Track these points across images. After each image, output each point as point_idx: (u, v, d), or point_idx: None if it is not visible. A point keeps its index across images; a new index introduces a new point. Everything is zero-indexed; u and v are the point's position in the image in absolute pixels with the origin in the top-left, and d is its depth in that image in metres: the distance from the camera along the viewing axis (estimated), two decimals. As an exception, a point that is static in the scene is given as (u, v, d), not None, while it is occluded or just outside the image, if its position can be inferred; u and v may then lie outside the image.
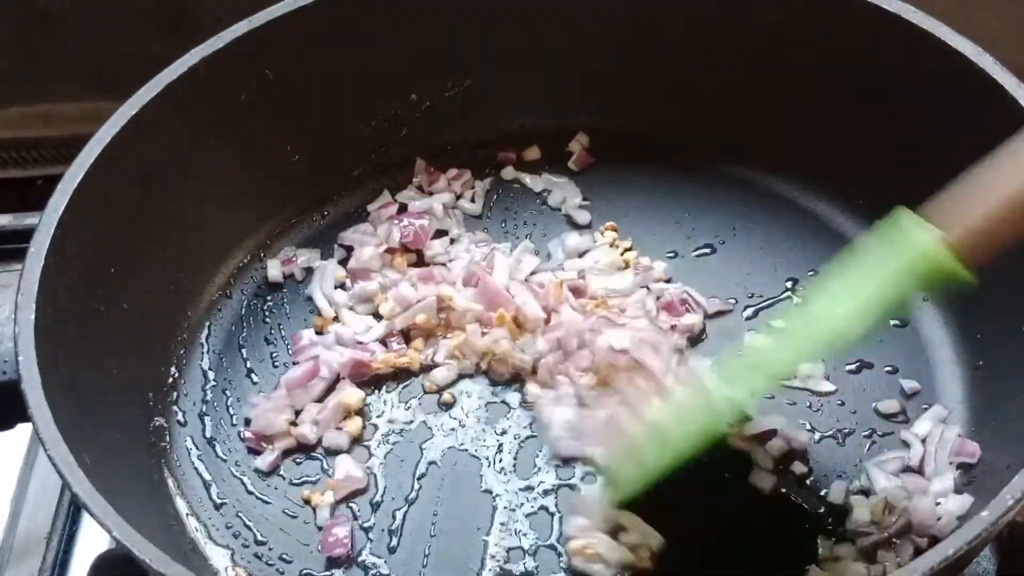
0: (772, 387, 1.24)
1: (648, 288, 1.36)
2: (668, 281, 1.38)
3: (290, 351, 1.35)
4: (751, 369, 1.18)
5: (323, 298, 1.39)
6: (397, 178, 1.49)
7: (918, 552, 1.14)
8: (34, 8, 1.63)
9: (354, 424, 1.28)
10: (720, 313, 1.36)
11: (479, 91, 1.48)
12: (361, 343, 1.34)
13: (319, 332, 1.36)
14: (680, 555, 1.16)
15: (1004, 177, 1.00)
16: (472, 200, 1.48)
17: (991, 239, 1.01)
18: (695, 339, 1.33)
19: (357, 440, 1.28)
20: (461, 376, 1.32)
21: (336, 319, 1.37)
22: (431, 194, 1.48)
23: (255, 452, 1.28)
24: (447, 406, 1.30)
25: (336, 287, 1.40)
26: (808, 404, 1.27)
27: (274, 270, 1.42)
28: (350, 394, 1.29)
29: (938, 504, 1.16)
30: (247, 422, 1.29)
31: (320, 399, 1.30)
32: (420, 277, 1.36)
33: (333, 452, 1.27)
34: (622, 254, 1.40)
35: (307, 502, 1.23)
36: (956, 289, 1.30)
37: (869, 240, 1.10)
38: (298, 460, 1.27)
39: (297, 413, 1.29)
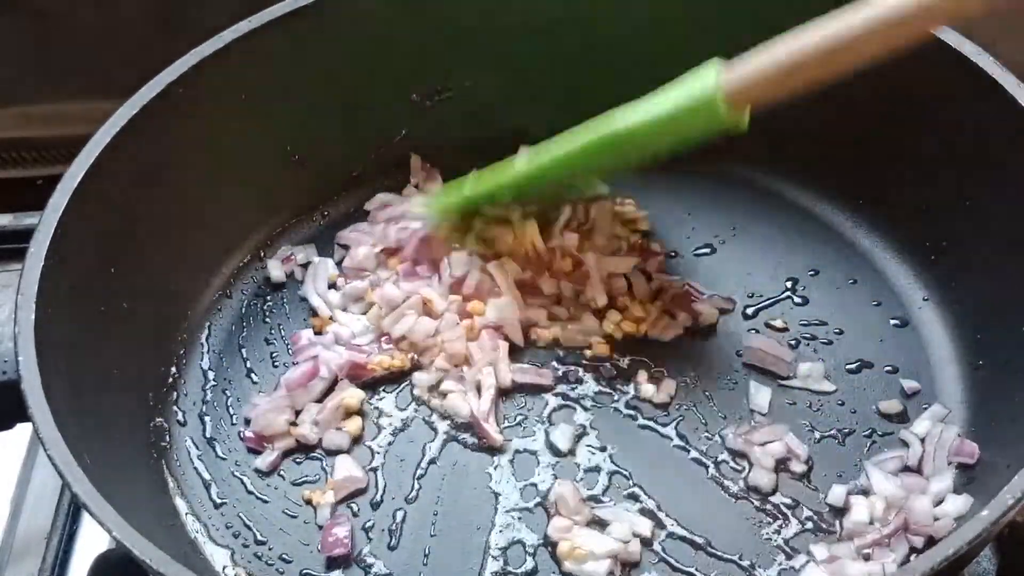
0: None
1: (647, 275, 1.37)
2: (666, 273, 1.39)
3: (290, 351, 1.35)
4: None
5: (317, 297, 1.39)
6: (397, 178, 1.50)
7: (914, 551, 1.14)
8: (34, 8, 1.63)
9: (354, 424, 1.28)
10: (720, 312, 1.36)
11: (479, 91, 1.48)
12: (357, 344, 1.34)
13: (318, 332, 1.36)
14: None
15: (785, 42, 1.13)
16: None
17: (760, 88, 1.14)
18: (707, 331, 1.34)
19: (357, 440, 1.28)
20: (442, 381, 1.31)
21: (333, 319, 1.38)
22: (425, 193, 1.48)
23: (255, 452, 1.28)
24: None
25: (329, 286, 1.40)
26: (808, 404, 1.28)
27: (276, 270, 1.42)
28: (350, 394, 1.29)
29: (937, 504, 1.16)
30: (247, 422, 1.29)
31: (320, 399, 1.30)
32: (404, 273, 1.36)
33: (333, 452, 1.27)
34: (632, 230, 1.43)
35: (308, 502, 1.23)
36: (958, 291, 1.31)
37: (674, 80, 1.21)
38: (298, 460, 1.27)
39: (297, 413, 1.29)
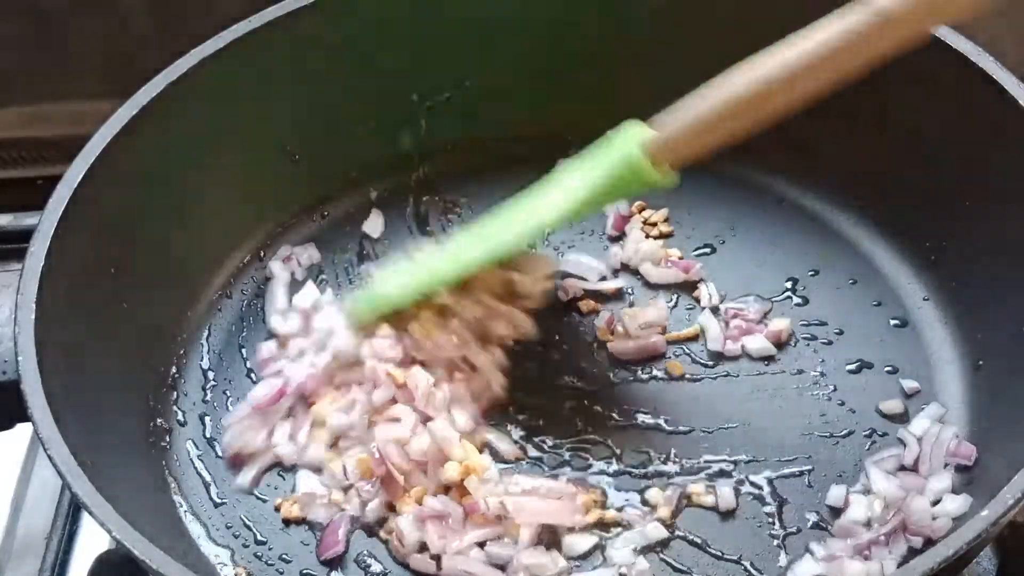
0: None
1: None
2: (706, 282, 1.38)
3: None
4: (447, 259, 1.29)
5: (278, 317, 1.37)
6: (397, 178, 1.50)
7: (912, 550, 1.14)
8: (34, 8, 1.63)
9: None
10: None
11: (479, 91, 1.48)
12: (313, 371, 1.29)
13: (283, 344, 1.35)
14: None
15: (709, 91, 1.11)
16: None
17: (685, 145, 1.13)
18: (784, 345, 1.33)
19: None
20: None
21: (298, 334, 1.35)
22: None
23: (235, 468, 1.26)
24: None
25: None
26: (808, 403, 1.27)
27: (281, 271, 1.42)
28: (320, 408, 1.26)
29: (935, 504, 1.16)
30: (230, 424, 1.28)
31: (290, 413, 1.28)
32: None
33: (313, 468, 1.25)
34: (657, 238, 1.42)
35: (277, 509, 1.22)
36: (958, 291, 1.31)
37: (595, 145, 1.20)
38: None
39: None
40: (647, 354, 1.32)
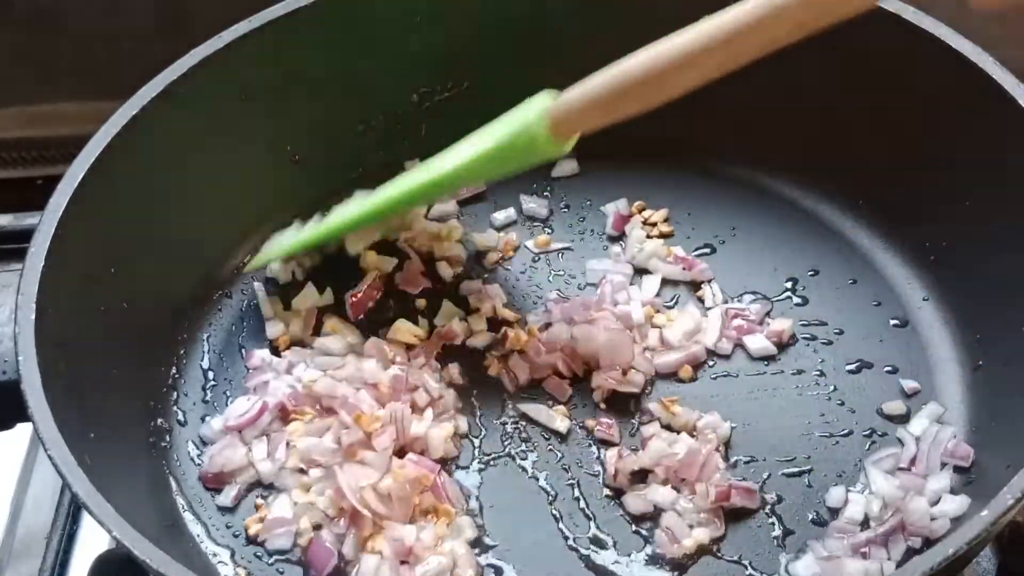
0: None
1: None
2: (711, 282, 1.38)
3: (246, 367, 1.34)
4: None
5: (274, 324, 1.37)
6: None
7: (911, 550, 1.14)
8: (34, 8, 1.63)
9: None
10: (720, 313, 1.36)
11: (479, 92, 1.48)
12: (294, 389, 1.28)
13: (275, 351, 1.34)
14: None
15: (612, 69, 1.15)
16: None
17: (582, 117, 1.17)
18: (784, 345, 1.33)
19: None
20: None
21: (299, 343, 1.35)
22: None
23: (215, 491, 1.24)
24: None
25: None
26: (808, 403, 1.27)
27: (284, 274, 1.42)
28: (294, 427, 1.25)
29: (934, 504, 1.16)
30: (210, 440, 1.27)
31: (265, 431, 1.26)
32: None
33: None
34: (657, 238, 1.41)
35: (245, 530, 1.21)
36: (958, 291, 1.31)
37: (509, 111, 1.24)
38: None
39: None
40: (691, 364, 1.31)
